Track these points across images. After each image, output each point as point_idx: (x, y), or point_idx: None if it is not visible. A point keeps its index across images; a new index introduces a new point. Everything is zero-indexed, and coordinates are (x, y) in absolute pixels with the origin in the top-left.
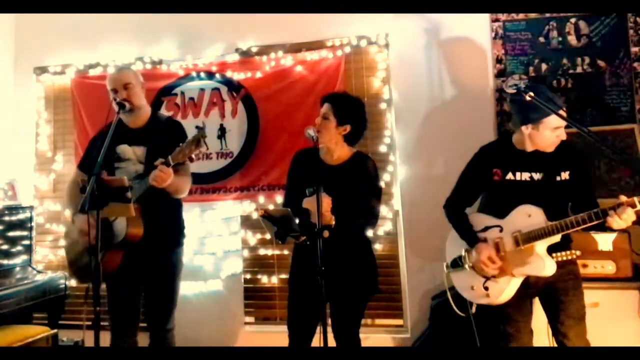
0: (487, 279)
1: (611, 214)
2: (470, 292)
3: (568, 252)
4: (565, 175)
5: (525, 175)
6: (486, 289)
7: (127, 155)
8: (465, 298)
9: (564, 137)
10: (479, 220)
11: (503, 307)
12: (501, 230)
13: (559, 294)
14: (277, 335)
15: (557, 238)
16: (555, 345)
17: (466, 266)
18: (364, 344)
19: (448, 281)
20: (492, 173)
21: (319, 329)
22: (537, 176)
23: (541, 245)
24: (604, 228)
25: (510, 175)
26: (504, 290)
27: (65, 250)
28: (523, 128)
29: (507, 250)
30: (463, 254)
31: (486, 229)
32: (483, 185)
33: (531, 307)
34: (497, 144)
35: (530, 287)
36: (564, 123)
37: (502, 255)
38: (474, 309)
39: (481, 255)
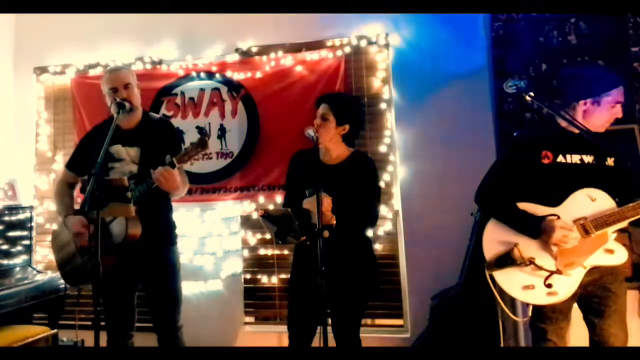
0: (550, 274)
1: None
2: (527, 293)
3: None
4: (610, 161)
5: (576, 158)
6: (549, 286)
7: (121, 155)
8: (520, 300)
9: (619, 114)
10: (528, 210)
11: (545, 309)
12: (558, 219)
13: (608, 296)
14: (277, 335)
15: (625, 223)
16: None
17: (519, 263)
18: (364, 344)
19: (493, 283)
20: (542, 156)
21: (319, 329)
22: (587, 159)
23: (612, 231)
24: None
25: (560, 158)
26: (573, 284)
27: (53, 251)
28: (581, 103)
29: None
30: (512, 248)
31: None
32: (525, 173)
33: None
34: (542, 127)
35: (582, 285)
36: (622, 98)
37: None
38: (529, 312)
39: (555, 227)
